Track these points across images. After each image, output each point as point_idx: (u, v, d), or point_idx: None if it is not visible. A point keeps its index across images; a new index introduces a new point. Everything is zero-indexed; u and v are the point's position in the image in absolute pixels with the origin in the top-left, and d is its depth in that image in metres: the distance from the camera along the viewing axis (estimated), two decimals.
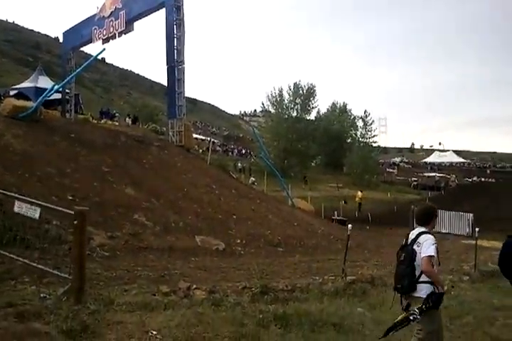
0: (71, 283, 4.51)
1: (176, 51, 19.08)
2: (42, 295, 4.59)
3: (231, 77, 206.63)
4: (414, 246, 3.69)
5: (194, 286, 5.86)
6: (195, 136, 41.02)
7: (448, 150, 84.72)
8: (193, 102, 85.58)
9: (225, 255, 10.14)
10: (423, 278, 3.62)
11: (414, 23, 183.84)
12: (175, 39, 19.10)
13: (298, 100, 50.32)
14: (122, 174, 12.92)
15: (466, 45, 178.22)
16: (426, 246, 3.64)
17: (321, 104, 58.36)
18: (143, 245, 9.13)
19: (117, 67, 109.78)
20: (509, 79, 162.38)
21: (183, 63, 19.13)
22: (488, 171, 68.04)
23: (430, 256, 3.60)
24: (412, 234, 3.85)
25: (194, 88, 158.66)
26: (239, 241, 11.34)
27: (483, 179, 57.17)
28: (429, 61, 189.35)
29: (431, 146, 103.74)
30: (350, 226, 9.13)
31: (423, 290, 3.62)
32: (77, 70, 22.17)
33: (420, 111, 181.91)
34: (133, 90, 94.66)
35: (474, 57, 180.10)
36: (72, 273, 4.54)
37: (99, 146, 14.38)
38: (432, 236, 3.74)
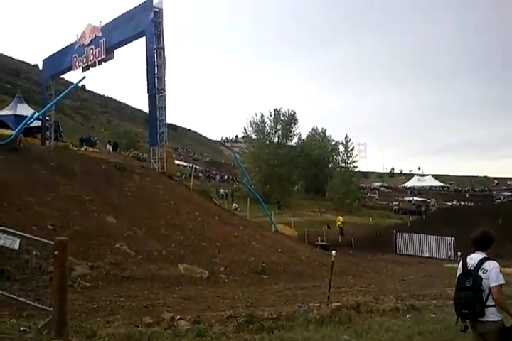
0: (52, 316, 4.39)
1: (156, 79, 19.27)
2: (22, 328, 4.46)
3: (212, 103, 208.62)
4: (480, 273, 3.74)
5: (178, 317, 5.74)
6: (177, 162, 41.04)
7: (427, 175, 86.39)
8: (174, 128, 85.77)
9: (209, 283, 9.99)
10: (489, 302, 3.71)
11: (391, 47, 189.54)
12: (155, 67, 19.30)
13: (279, 126, 50.95)
14: (103, 202, 12.76)
15: (442, 68, 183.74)
16: (495, 274, 3.70)
17: (302, 130, 59.51)
18: (125, 275, 8.95)
19: (98, 94, 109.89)
20: (489, 101, 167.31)
21: (164, 91, 19.29)
22: (467, 195, 69.12)
23: (500, 285, 3.70)
24: (472, 260, 3.89)
25: (175, 114, 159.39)
26: (223, 268, 11.21)
27: (462, 202, 57.98)
28: (407, 85, 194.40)
29: (410, 171, 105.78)
30: (334, 252, 9.13)
31: (490, 314, 3.70)
32: (58, 98, 22.17)
33: (399, 136, 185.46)
34: (114, 117, 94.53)
35: (452, 80, 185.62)
36: (53, 305, 4.43)
37: (80, 174, 14.23)
38: (497, 264, 3.80)
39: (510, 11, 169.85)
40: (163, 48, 19.37)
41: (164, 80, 19.38)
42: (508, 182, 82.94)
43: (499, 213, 29.80)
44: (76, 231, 9.92)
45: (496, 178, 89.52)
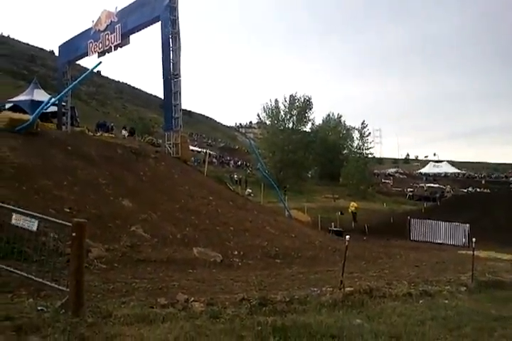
0: (69, 296, 4.48)
1: (172, 64, 19.25)
2: (39, 308, 4.55)
3: (227, 88, 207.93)
4: None
5: (192, 298, 5.83)
6: (191, 147, 41.18)
7: (443, 161, 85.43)
8: (188, 114, 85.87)
9: (223, 267, 10.10)
10: None
11: (412, 34, 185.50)
12: (171, 52, 19.28)
13: (294, 112, 50.61)
14: (119, 186, 12.91)
15: (464, 57, 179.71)
16: None
17: (317, 116, 58.96)
18: (140, 257, 9.09)
19: (113, 79, 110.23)
20: (507, 91, 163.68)
21: (179, 76, 19.27)
22: (483, 181, 68.22)
23: None
24: None
25: (190, 100, 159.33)
26: (236, 252, 11.31)
27: (478, 189, 57.31)
28: (424, 72, 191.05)
29: (426, 157, 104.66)
30: (348, 237, 9.13)
31: None
32: (73, 83, 22.27)
33: (415, 122, 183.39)
34: (128, 103, 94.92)
35: (472, 68, 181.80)
36: (69, 285, 4.52)
37: (96, 159, 14.38)
38: None
39: None
40: (178, 33, 19.32)
41: (179, 65, 19.37)
42: None
43: None
44: (93, 214, 10.06)
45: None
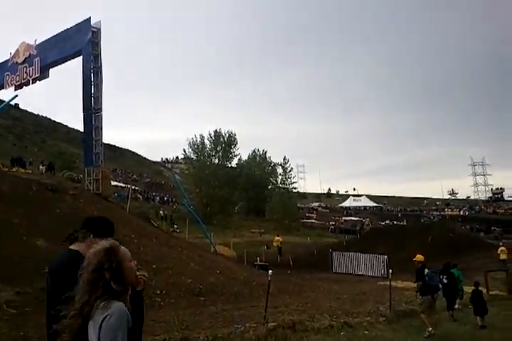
0: None
1: (93, 98, 19.00)
2: None
3: (152, 123, 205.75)
4: None
5: None
6: (114, 183, 39.97)
7: (362, 195, 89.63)
8: (113, 149, 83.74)
9: (144, 307, 9.77)
10: None
11: (332, 74, 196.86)
12: (92, 86, 19.04)
13: (219, 147, 51.20)
14: (33, 225, 12.23)
15: (372, 98, 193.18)
16: None
17: (243, 152, 60.17)
18: None
19: (32, 113, 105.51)
20: (421, 127, 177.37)
21: (101, 110, 19.03)
22: (399, 214, 72.23)
23: None
24: None
25: (114, 135, 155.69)
26: (158, 291, 11.02)
27: (394, 222, 60.42)
28: (340, 110, 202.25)
29: (346, 191, 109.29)
30: (270, 272, 9.29)
31: None
32: None
33: (335, 158, 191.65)
34: (48, 137, 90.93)
35: (383, 108, 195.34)
36: None
37: (9, 196, 13.58)
38: None
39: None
40: (100, 68, 19.18)
41: (101, 100, 19.14)
42: (437, 202, 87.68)
43: (429, 232, 31.46)
44: (3, 255, 9.43)
45: (426, 198, 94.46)
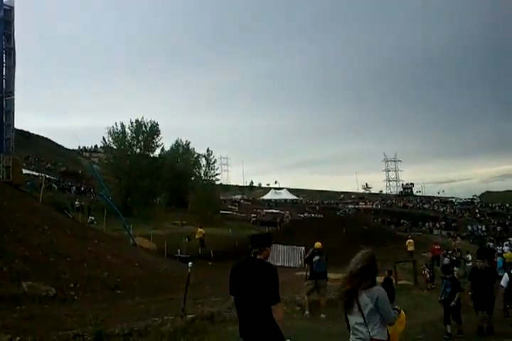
0: None
1: (4, 81, 17.79)
2: None
3: (70, 110, 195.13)
4: None
5: (18, 338, 5.30)
6: (26, 171, 37.55)
7: (283, 188, 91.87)
8: (26, 136, 78.59)
9: (57, 301, 9.36)
10: None
11: (259, 69, 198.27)
12: (4, 68, 17.82)
13: (141, 137, 49.69)
14: None
15: (297, 95, 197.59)
16: None
17: (165, 144, 58.61)
18: None
19: None
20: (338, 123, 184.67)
21: (13, 94, 17.85)
22: (317, 207, 74.88)
23: None
24: None
25: (28, 121, 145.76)
26: (72, 285, 10.57)
27: (312, 214, 62.49)
28: (265, 105, 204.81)
29: (268, 184, 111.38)
30: (190, 264, 9.24)
31: None
32: None
33: (259, 151, 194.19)
34: None
35: (304, 103, 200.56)
36: None
37: None
38: None
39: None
40: (13, 49, 17.98)
41: (13, 83, 17.96)
42: (352, 196, 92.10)
43: (344, 224, 32.97)
44: None
45: (342, 192, 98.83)
